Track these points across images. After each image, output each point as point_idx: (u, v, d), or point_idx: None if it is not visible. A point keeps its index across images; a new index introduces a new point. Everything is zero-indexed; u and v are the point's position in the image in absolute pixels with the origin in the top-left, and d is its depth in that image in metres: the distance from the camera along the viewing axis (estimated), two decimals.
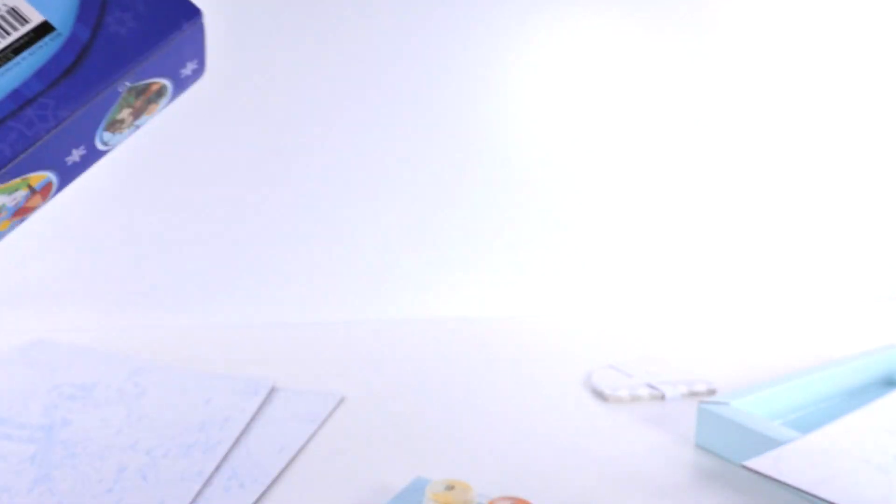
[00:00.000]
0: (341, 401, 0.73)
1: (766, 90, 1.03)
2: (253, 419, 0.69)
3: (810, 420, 0.70)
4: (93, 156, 0.42)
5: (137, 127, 0.43)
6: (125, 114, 0.41)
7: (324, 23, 0.92)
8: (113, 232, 0.93)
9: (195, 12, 0.40)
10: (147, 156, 0.90)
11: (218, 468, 0.62)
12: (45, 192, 0.41)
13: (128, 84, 0.39)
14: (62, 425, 0.68)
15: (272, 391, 0.74)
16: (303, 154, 0.94)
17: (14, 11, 0.39)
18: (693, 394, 0.77)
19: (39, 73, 0.38)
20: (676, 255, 1.03)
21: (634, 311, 0.99)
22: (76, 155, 0.41)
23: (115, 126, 0.41)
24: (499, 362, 0.84)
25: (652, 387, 0.78)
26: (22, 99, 0.38)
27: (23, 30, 0.39)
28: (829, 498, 0.51)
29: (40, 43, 0.39)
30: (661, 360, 0.84)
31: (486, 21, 0.95)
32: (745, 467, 0.56)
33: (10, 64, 0.38)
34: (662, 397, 0.76)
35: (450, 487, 0.54)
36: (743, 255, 1.04)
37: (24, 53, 0.38)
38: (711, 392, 0.77)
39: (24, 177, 0.39)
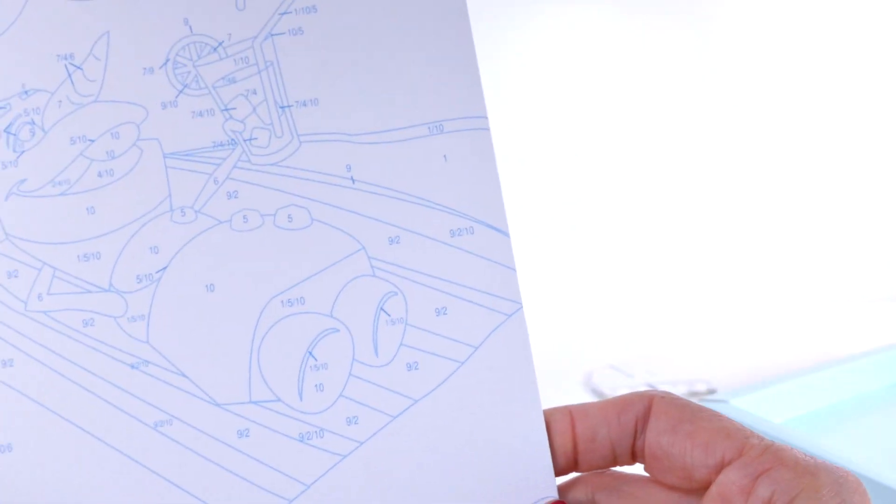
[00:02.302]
0: None
1: (766, 88, 1.00)
2: None
3: (809, 419, 0.69)
4: None
5: None
6: None
7: None
8: None
9: None
10: None
11: None
12: None
13: None
14: None
15: None
16: None
17: None
18: (693, 393, 0.75)
19: None
20: (677, 255, 0.99)
21: (634, 311, 0.95)
22: None
23: None
24: None
25: (652, 387, 0.76)
26: None
27: None
28: None
29: None
30: (661, 360, 0.82)
31: (482, 20, 0.86)
32: None
33: None
34: None
35: None
36: (743, 255, 1.01)
37: None
38: (711, 391, 0.76)
39: None
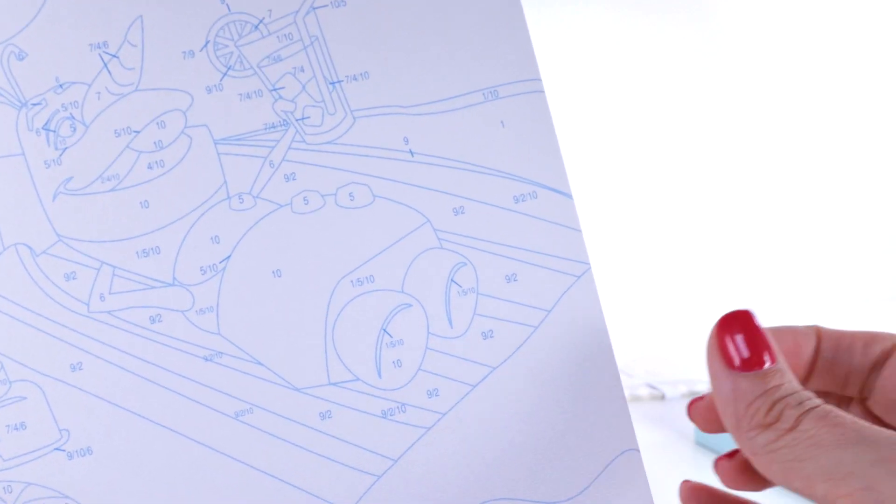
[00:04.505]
0: None
1: (765, 88, 0.98)
2: None
3: None
4: None
5: None
6: None
7: None
8: None
9: None
10: None
11: None
12: None
13: None
14: None
15: None
16: None
17: None
18: (693, 393, 0.75)
19: None
20: (676, 254, 0.97)
21: (634, 311, 0.94)
22: None
23: None
24: None
25: (652, 387, 0.76)
26: None
27: None
28: None
29: None
30: (661, 360, 0.82)
31: None
32: None
33: None
34: (662, 397, 0.76)
35: None
36: (743, 255, 1.00)
37: None
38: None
39: None
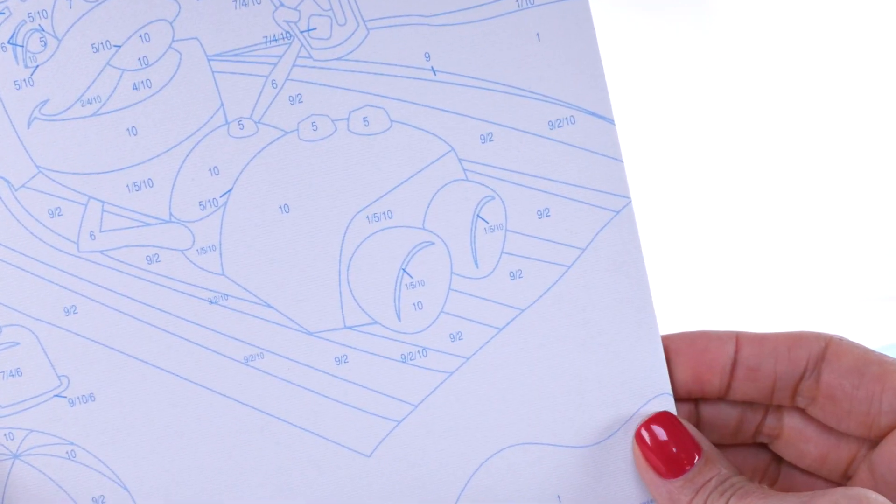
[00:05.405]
0: None
1: (764, 88, 0.94)
2: None
3: None
4: None
5: None
6: None
7: None
8: None
9: None
10: None
11: None
12: None
13: None
14: None
15: None
16: None
17: None
18: None
19: None
20: (675, 254, 0.93)
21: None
22: None
23: None
24: None
25: None
26: None
27: None
28: None
29: None
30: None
31: None
32: None
33: None
34: None
35: None
36: (743, 254, 0.96)
37: None
38: None
39: None
